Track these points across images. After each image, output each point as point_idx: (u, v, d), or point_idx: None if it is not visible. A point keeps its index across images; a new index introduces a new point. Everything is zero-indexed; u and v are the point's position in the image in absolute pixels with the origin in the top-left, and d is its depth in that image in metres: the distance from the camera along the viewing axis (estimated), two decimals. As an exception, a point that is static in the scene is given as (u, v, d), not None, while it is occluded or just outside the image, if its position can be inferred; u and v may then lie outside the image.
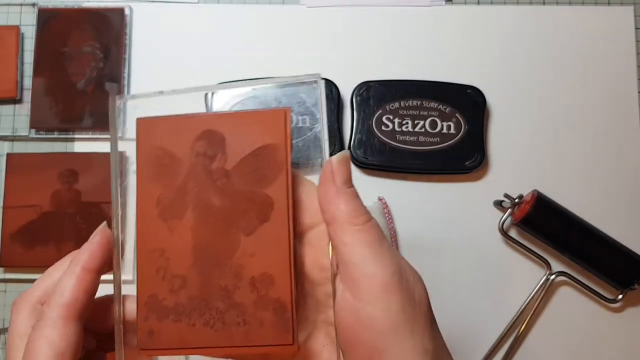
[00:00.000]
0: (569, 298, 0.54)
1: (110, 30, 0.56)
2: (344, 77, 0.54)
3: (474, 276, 0.54)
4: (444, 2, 0.57)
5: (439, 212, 0.55)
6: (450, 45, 0.57)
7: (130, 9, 0.57)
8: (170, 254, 0.29)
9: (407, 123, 0.54)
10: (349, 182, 0.28)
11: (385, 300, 0.26)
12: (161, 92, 0.31)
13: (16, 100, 0.56)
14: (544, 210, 0.52)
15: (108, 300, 0.30)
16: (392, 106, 0.54)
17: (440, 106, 0.54)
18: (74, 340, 0.27)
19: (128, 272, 0.30)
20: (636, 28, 0.57)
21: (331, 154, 0.29)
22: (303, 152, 0.31)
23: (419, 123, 0.54)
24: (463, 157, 0.53)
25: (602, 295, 0.53)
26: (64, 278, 0.28)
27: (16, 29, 0.56)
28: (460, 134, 0.53)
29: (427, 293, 0.28)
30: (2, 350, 0.52)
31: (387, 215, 0.53)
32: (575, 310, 0.54)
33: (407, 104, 0.54)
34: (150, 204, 0.29)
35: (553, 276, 0.53)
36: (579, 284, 0.53)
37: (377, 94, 0.54)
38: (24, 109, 0.56)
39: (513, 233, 0.55)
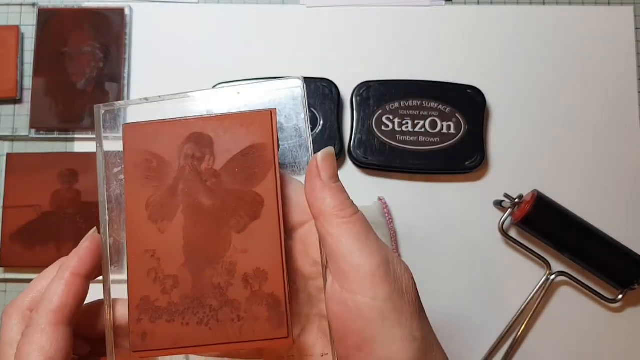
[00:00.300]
0: (569, 298, 0.54)
1: (110, 30, 0.56)
2: (344, 77, 0.54)
3: (474, 276, 0.54)
4: (444, 2, 0.57)
5: (439, 212, 0.55)
6: (450, 45, 0.57)
7: (130, 9, 0.57)
8: (161, 255, 0.29)
9: (407, 123, 0.54)
10: (334, 177, 0.29)
11: (373, 289, 0.27)
12: (146, 99, 0.32)
13: (16, 100, 0.56)
14: (544, 210, 0.52)
15: (100, 305, 0.30)
16: (392, 106, 0.54)
17: (440, 106, 0.54)
18: (64, 346, 0.27)
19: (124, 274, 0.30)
20: (636, 28, 0.57)
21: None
22: (289, 153, 0.32)
23: (419, 123, 0.54)
24: (463, 157, 0.53)
25: (602, 295, 0.53)
26: (52, 284, 0.28)
27: (16, 29, 0.56)
28: (460, 134, 0.53)
29: (414, 283, 0.28)
30: None
31: (387, 215, 0.53)
32: (575, 310, 0.54)
33: (407, 104, 0.54)
34: (140, 207, 0.29)
35: (553, 276, 0.53)
36: (579, 284, 0.53)
37: (377, 94, 0.54)
38: (24, 109, 0.56)
39: (513, 233, 0.55)
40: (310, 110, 0.53)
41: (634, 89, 0.56)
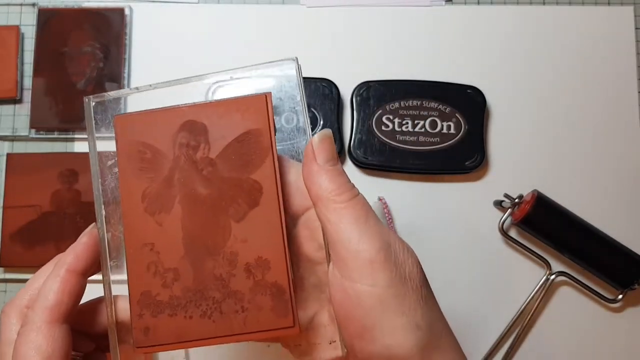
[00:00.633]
0: (569, 298, 0.54)
1: (110, 30, 0.56)
2: (344, 77, 0.54)
3: (474, 276, 0.54)
4: (444, 2, 0.57)
5: (439, 212, 0.55)
6: (450, 45, 0.57)
7: (130, 9, 0.57)
8: (160, 248, 0.28)
9: (407, 123, 0.54)
10: (332, 160, 0.28)
11: (372, 276, 0.26)
12: (137, 89, 0.31)
13: (16, 100, 0.56)
14: (544, 210, 0.51)
15: (102, 301, 0.30)
16: (392, 106, 0.54)
17: (440, 106, 0.54)
18: (61, 344, 0.27)
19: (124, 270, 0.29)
20: (636, 28, 0.57)
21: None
22: (288, 137, 0.31)
23: (419, 123, 0.54)
24: (463, 157, 0.53)
25: (602, 295, 0.53)
26: (47, 281, 0.28)
27: (16, 29, 0.56)
28: (460, 134, 0.53)
29: (420, 269, 0.28)
30: None
31: (387, 215, 0.53)
32: (575, 310, 0.54)
33: (407, 104, 0.54)
34: (136, 199, 0.28)
35: (553, 276, 0.53)
36: (579, 284, 0.53)
37: (377, 94, 0.54)
38: (24, 109, 0.56)
39: (513, 233, 0.55)
40: (310, 110, 0.53)
41: (634, 89, 0.56)
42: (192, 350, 0.31)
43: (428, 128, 0.54)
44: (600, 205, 0.55)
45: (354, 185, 0.28)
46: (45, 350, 0.26)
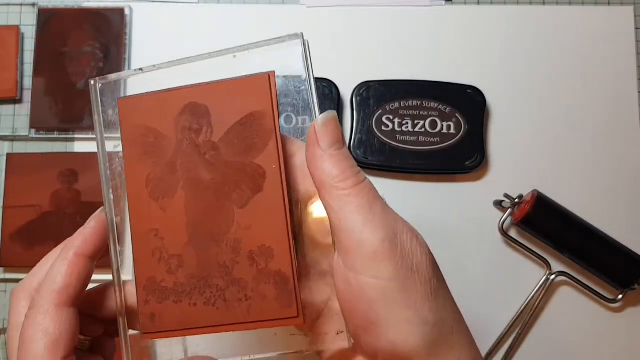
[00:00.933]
0: (569, 298, 0.54)
1: (110, 30, 0.56)
2: (344, 77, 0.54)
3: (474, 276, 0.54)
4: (444, 2, 0.57)
5: (439, 212, 0.55)
6: (450, 45, 0.57)
7: (130, 9, 0.57)
8: (164, 234, 0.28)
9: (407, 123, 0.54)
10: (337, 144, 0.26)
11: (375, 268, 0.25)
12: (141, 69, 0.30)
13: (16, 100, 0.56)
14: (544, 210, 0.51)
15: (110, 286, 0.30)
16: (392, 106, 0.54)
17: (440, 106, 0.54)
18: (69, 327, 0.27)
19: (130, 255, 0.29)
20: (636, 28, 0.57)
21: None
22: (294, 118, 0.30)
23: (419, 123, 0.54)
24: (463, 157, 0.53)
25: (602, 295, 0.53)
26: (55, 264, 0.28)
27: (16, 29, 0.56)
28: (460, 134, 0.53)
29: (430, 259, 0.26)
30: (3, 350, 0.52)
31: (387, 215, 0.53)
32: (575, 310, 0.54)
33: (407, 104, 0.54)
34: (140, 184, 0.28)
35: (553, 276, 0.53)
36: (579, 284, 0.53)
37: (377, 94, 0.54)
38: (24, 109, 0.56)
39: (513, 233, 0.55)
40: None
41: (634, 89, 0.56)
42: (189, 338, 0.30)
43: (428, 128, 0.54)
44: (600, 205, 0.55)
45: (360, 171, 0.26)
46: (53, 333, 0.26)
